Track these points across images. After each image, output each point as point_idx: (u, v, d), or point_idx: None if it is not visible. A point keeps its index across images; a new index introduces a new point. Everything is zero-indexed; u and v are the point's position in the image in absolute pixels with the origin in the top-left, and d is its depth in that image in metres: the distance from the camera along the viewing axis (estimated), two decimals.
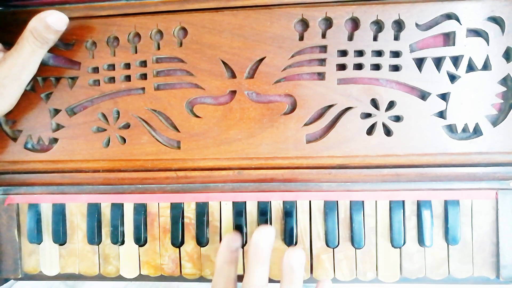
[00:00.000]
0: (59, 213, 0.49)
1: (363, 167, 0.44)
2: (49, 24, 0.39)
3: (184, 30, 0.44)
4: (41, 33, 0.39)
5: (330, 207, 0.46)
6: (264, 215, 0.46)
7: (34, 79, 0.45)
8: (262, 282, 0.41)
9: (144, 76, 0.45)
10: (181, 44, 0.44)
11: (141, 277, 0.49)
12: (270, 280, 0.47)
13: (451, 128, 0.43)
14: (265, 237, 0.41)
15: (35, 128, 0.47)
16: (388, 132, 0.43)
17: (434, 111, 0.42)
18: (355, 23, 0.43)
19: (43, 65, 0.46)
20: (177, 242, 0.47)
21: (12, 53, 0.40)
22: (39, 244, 0.49)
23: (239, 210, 0.47)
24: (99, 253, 0.49)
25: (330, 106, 0.43)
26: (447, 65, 0.42)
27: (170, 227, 0.48)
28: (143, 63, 0.45)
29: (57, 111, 0.46)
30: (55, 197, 0.49)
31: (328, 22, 0.43)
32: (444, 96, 0.42)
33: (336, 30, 0.42)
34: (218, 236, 0.47)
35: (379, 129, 0.43)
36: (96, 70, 0.46)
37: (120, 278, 0.49)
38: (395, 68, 0.43)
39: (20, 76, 0.41)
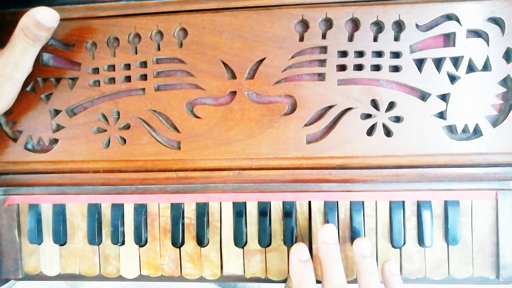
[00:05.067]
0: (60, 213, 0.49)
1: (363, 168, 0.44)
2: (39, 21, 0.38)
3: (184, 30, 0.44)
4: (32, 31, 0.38)
5: (330, 208, 0.46)
6: (264, 215, 0.46)
7: (34, 79, 0.45)
8: (342, 278, 0.40)
9: (144, 77, 0.45)
10: (181, 45, 0.44)
11: (141, 277, 0.49)
12: (269, 280, 0.47)
13: (451, 129, 0.43)
14: (331, 233, 0.41)
15: (35, 129, 0.47)
16: (388, 132, 0.43)
17: (434, 112, 0.42)
18: (355, 24, 0.43)
19: (43, 66, 0.46)
20: (177, 242, 0.47)
21: (4, 52, 0.40)
22: (40, 244, 0.49)
23: (239, 211, 0.47)
24: (100, 254, 0.49)
25: (330, 107, 0.43)
26: (447, 66, 0.42)
27: (171, 227, 0.48)
28: (143, 64, 0.45)
29: (57, 112, 0.46)
30: (56, 197, 0.49)
31: (328, 23, 0.43)
32: (444, 97, 0.42)
33: (336, 31, 0.42)
34: (219, 236, 0.47)
35: (379, 130, 0.43)
36: (96, 70, 0.46)
37: (120, 278, 0.49)
38: (395, 68, 0.43)
39: (14, 75, 0.40)
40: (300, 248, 0.42)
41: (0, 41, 0.43)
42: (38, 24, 0.38)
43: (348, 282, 0.45)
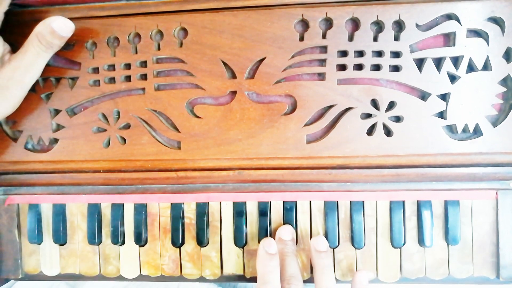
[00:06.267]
0: (60, 213, 0.49)
1: (363, 168, 0.44)
2: (54, 30, 0.40)
3: (185, 30, 0.44)
4: (46, 38, 0.40)
5: (330, 207, 0.46)
6: (264, 215, 0.46)
7: None
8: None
9: (144, 77, 0.45)
10: (181, 45, 0.44)
11: (141, 277, 0.49)
12: None
13: (451, 129, 0.43)
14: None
15: (35, 129, 0.47)
16: (388, 132, 0.43)
17: (434, 112, 0.42)
18: (355, 24, 0.43)
19: None
20: (178, 242, 0.47)
21: (17, 56, 0.41)
22: (40, 244, 0.49)
23: (239, 211, 0.47)
24: (100, 253, 0.49)
25: (330, 107, 0.43)
26: (447, 66, 0.42)
27: (171, 227, 0.48)
28: (144, 64, 0.45)
29: (57, 112, 0.46)
30: (56, 197, 0.49)
31: (329, 23, 0.43)
32: (444, 97, 0.42)
33: (336, 31, 0.42)
34: (219, 236, 0.47)
35: (379, 130, 0.43)
36: (96, 70, 0.46)
37: (120, 278, 0.49)
38: (395, 68, 0.43)
39: (24, 79, 0.41)
40: (268, 242, 0.44)
41: (3, 40, 0.43)
42: (54, 32, 0.40)
43: (346, 282, 0.46)
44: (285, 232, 0.45)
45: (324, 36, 0.43)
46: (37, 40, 0.40)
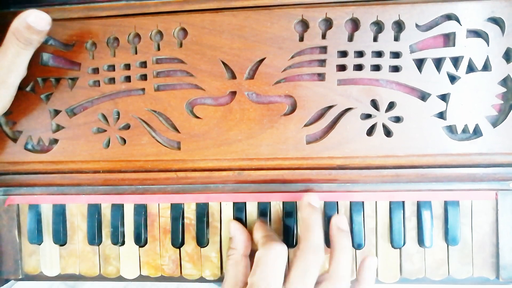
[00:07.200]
0: (60, 213, 0.49)
1: (363, 168, 0.44)
2: (30, 24, 0.37)
3: (184, 30, 0.44)
4: (23, 34, 0.38)
5: (330, 208, 0.46)
6: (264, 215, 0.46)
7: (34, 80, 0.46)
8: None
9: (144, 77, 0.45)
10: (181, 45, 0.44)
11: (141, 278, 0.49)
12: None
13: (451, 129, 0.43)
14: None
15: (35, 129, 0.47)
16: (388, 133, 0.43)
17: (434, 112, 0.42)
18: (355, 24, 0.43)
19: (43, 66, 0.46)
20: (177, 242, 0.47)
21: None
22: (40, 244, 0.50)
23: (239, 211, 0.47)
24: (100, 254, 0.49)
25: (330, 107, 0.43)
26: (447, 66, 0.42)
27: (170, 227, 0.48)
28: (143, 64, 0.45)
29: (57, 112, 0.46)
30: (56, 197, 0.49)
31: (328, 23, 0.43)
32: (444, 97, 0.42)
33: (336, 31, 0.42)
34: (218, 236, 0.47)
35: (379, 130, 0.43)
36: (96, 71, 0.46)
37: (120, 278, 0.49)
38: (395, 69, 0.43)
39: (6, 79, 0.40)
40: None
41: (1, 41, 0.43)
42: (30, 27, 0.38)
43: None
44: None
45: (324, 37, 0.43)
46: (15, 38, 0.38)
